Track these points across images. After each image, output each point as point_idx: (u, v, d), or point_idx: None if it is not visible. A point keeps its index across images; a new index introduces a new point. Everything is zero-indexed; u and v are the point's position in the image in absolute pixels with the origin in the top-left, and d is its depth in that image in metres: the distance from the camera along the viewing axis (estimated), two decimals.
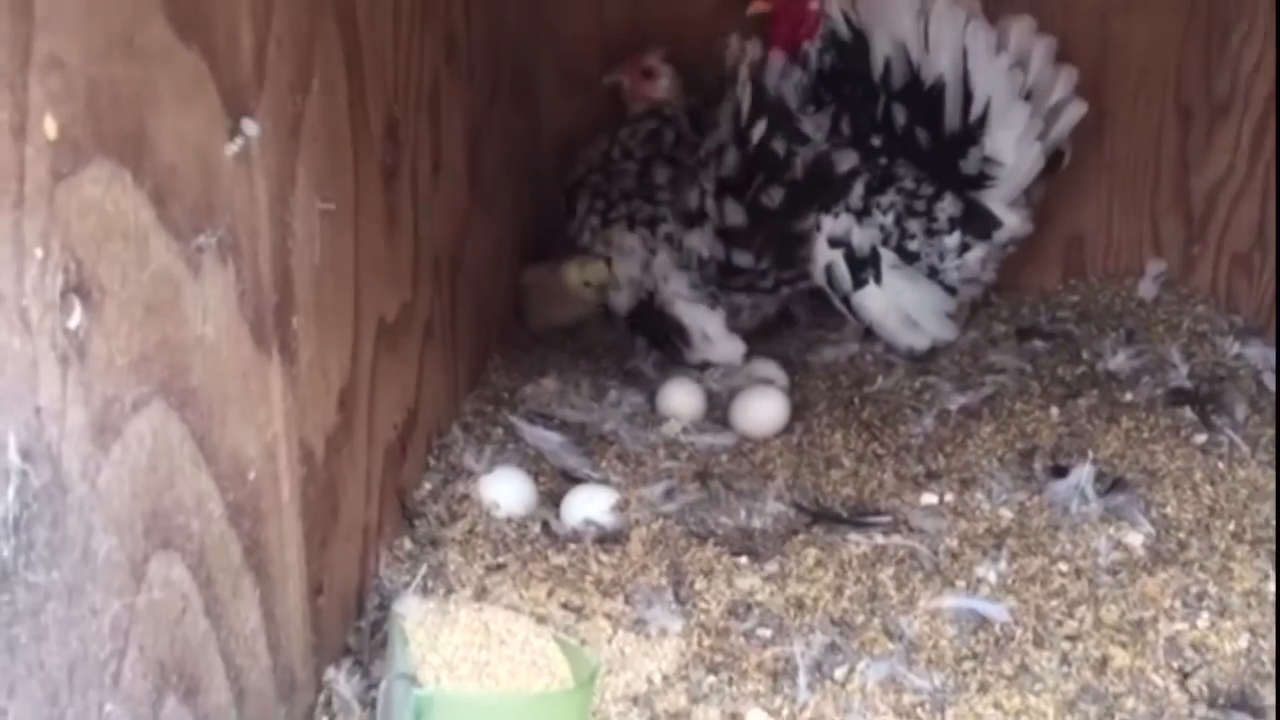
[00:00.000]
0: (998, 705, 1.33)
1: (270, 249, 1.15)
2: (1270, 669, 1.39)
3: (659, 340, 2.14)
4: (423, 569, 1.52)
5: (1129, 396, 1.99)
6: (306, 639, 1.28)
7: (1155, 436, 1.86)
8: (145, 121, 0.92)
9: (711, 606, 1.49)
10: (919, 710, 1.33)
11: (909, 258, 2.14)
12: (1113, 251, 2.42)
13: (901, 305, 2.14)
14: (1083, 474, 1.70)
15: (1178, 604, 1.49)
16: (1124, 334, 2.19)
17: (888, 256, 2.12)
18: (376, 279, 1.48)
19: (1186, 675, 1.38)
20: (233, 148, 1.06)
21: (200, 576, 1.04)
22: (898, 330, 2.14)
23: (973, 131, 2.07)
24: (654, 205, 2.17)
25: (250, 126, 1.08)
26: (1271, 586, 1.51)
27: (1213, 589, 1.51)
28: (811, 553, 1.59)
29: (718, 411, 1.97)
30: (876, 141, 2.14)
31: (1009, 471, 1.78)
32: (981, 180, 2.11)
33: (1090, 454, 1.78)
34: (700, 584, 1.53)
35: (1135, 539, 1.61)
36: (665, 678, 1.38)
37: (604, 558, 1.58)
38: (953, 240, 2.14)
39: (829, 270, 2.11)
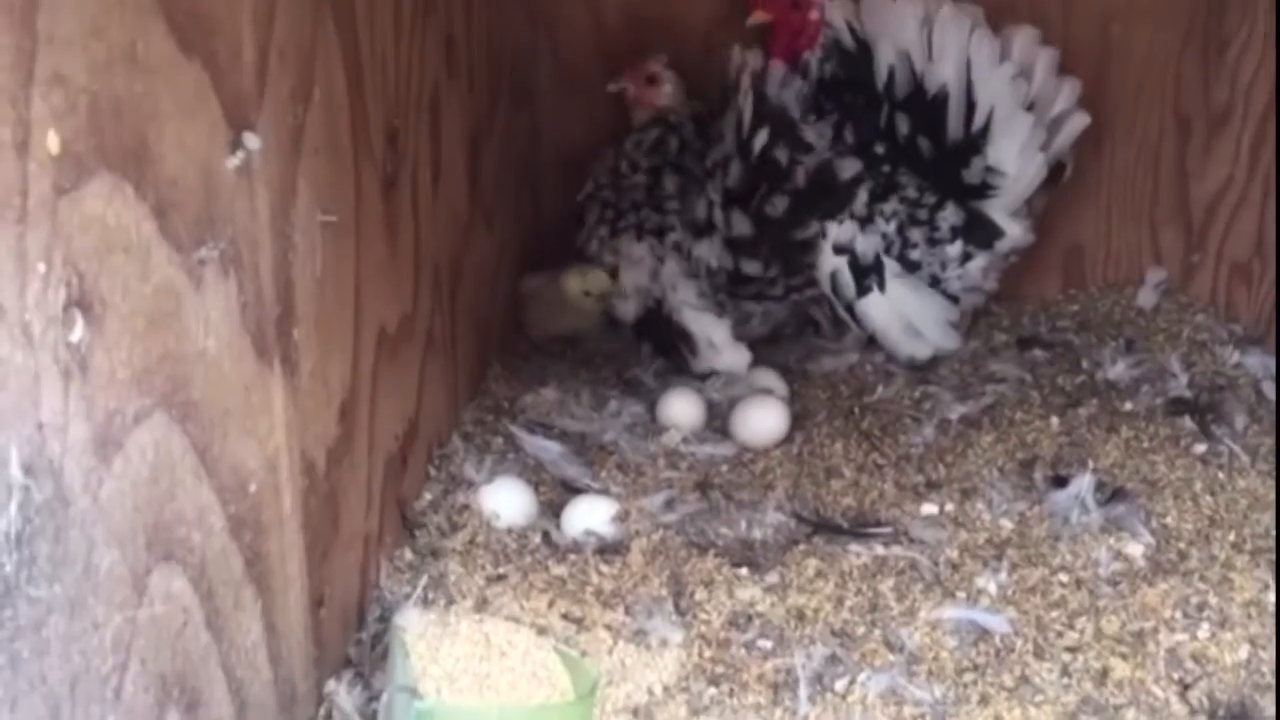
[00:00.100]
0: (998, 717, 1.33)
1: (271, 261, 1.15)
2: (1271, 680, 1.39)
3: (665, 349, 2.14)
4: (423, 580, 1.52)
5: (1129, 406, 1.99)
6: (308, 651, 1.28)
7: (1155, 446, 1.86)
8: (147, 135, 0.92)
9: (712, 617, 1.49)
10: None
11: (911, 267, 2.14)
12: (1112, 261, 2.42)
13: (904, 313, 2.14)
14: (1083, 484, 1.70)
15: (1178, 615, 1.49)
16: (1124, 343, 2.19)
17: (890, 266, 2.13)
18: (377, 289, 1.48)
19: (1187, 686, 1.38)
20: (234, 161, 1.06)
21: (202, 589, 1.04)
22: (900, 339, 2.14)
23: (975, 141, 2.08)
24: (662, 214, 2.19)
25: (251, 140, 1.08)
26: (1272, 597, 1.51)
27: (1213, 600, 1.51)
28: (812, 563, 1.59)
29: (718, 421, 1.97)
30: (880, 149, 2.15)
31: (1009, 481, 1.78)
32: (984, 190, 2.11)
33: (1090, 464, 1.78)
34: (701, 595, 1.53)
35: (1135, 549, 1.61)
36: (666, 689, 1.38)
37: (604, 568, 1.58)
38: (955, 249, 2.14)
39: (834, 278, 2.11)
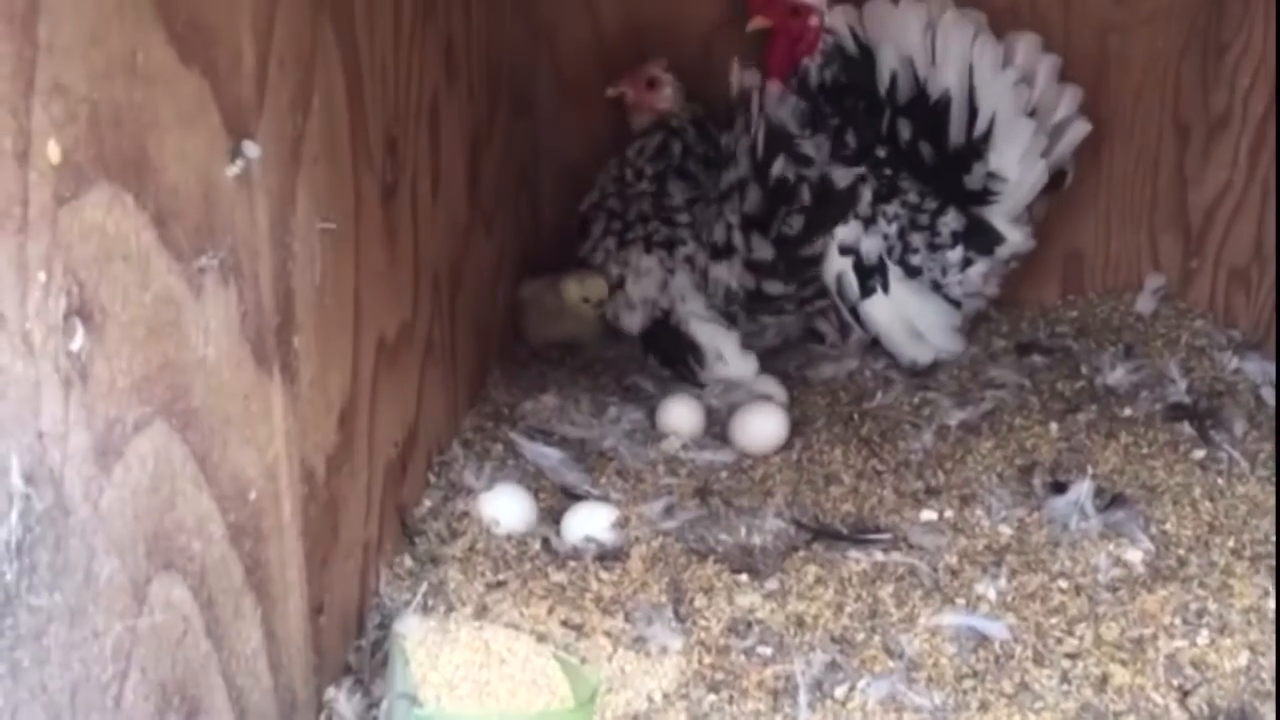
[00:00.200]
0: None
1: (271, 269, 1.15)
2: (1270, 686, 1.39)
3: (672, 360, 2.14)
4: (423, 587, 1.52)
5: (1128, 412, 2.00)
6: (307, 659, 1.28)
7: (1154, 452, 1.87)
8: (147, 144, 0.93)
9: (712, 624, 1.49)
10: None
11: (912, 271, 2.14)
12: (1111, 266, 2.43)
13: (908, 316, 2.14)
14: (1082, 490, 1.70)
15: (1177, 621, 1.49)
16: (1123, 349, 2.19)
17: (893, 270, 2.13)
18: (376, 297, 1.48)
19: (1186, 693, 1.38)
20: (234, 169, 1.06)
21: (202, 597, 1.04)
22: (903, 342, 2.15)
23: (977, 146, 2.08)
24: (672, 227, 2.20)
25: (251, 148, 1.08)
26: (1271, 603, 1.51)
27: (1212, 606, 1.51)
28: (811, 570, 1.59)
29: (717, 428, 1.97)
30: (881, 154, 2.15)
31: (1008, 488, 1.78)
32: (985, 195, 2.12)
33: (1089, 470, 1.78)
34: (700, 601, 1.53)
35: (1135, 555, 1.61)
36: (665, 696, 1.38)
37: (604, 575, 1.58)
38: (955, 255, 2.15)
39: (839, 280, 2.12)
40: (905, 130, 2.14)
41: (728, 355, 2.10)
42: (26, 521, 0.80)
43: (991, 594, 1.54)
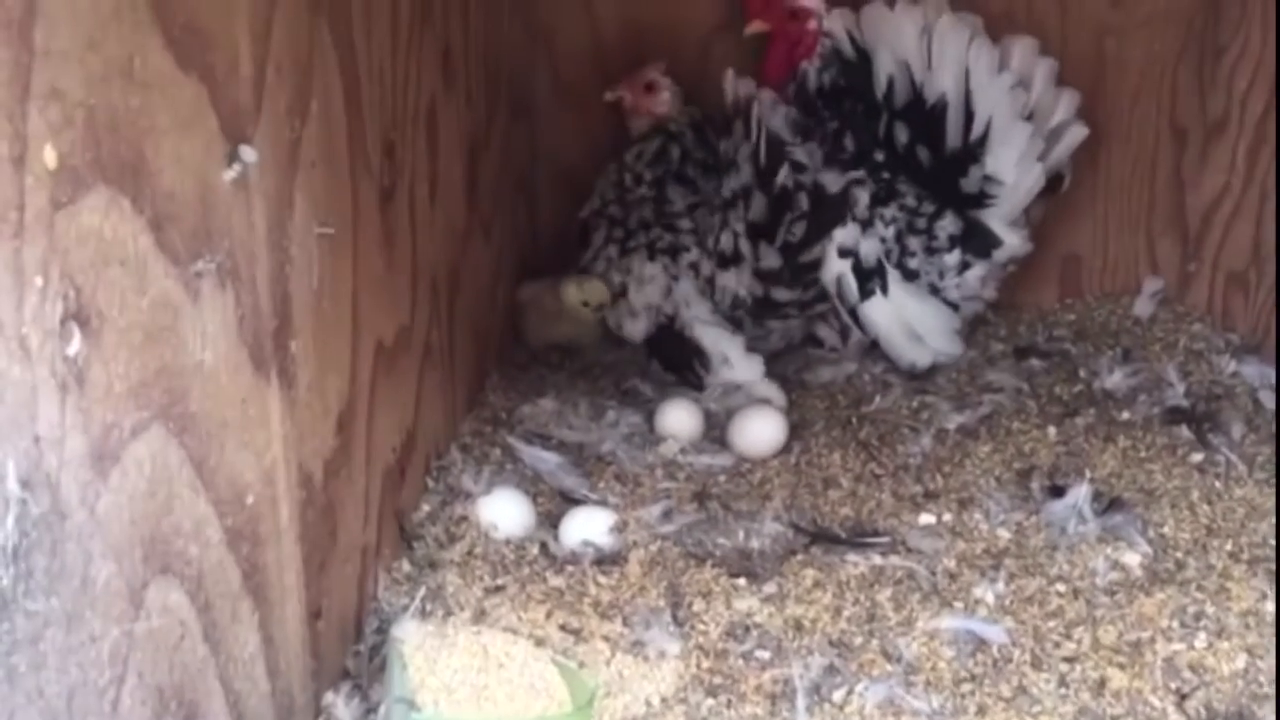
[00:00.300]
0: None
1: (268, 274, 1.15)
2: (1268, 690, 1.39)
3: (676, 366, 2.14)
4: (421, 591, 1.52)
5: (1126, 415, 2.00)
6: (305, 663, 1.28)
7: (1152, 455, 1.87)
8: (144, 149, 0.93)
9: (710, 628, 1.49)
10: None
11: (909, 275, 2.15)
12: (1109, 270, 2.43)
13: (906, 318, 2.14)
14: (1080, 494, 1.70)
15: (1175, 624, 1.49)
16: (1120, 352, 2.19)
17: (891, 273, 2.13)
18: (374, 301, 1.48)
19: (1184, 696, 1.38)
20: (231, 174, 1.06)
21: (199, 602, 1.04)
22: (902, 344, 2.15)
23: (974, 150, 2.09)
24: (675, 234, 2.19)
25: (248, 153, 1.08)
26: (1269, 606, 1.51)
27: (1210, 609, 1.51)
28: (810, 574, 1.59)
29: (716, 431, 1.97)
30: (878, 158, 2.16)
31: (1006, 491, 1.78)
32: (982, 199, 2.12)
33: (1087, 473, 1.78)
34: (698, 605, 1.53)
35: (1133, 559, 1.61)
36: (664, 700, 1.38)
37: (602, 579, 1.58)
38: (953, 258, 2.15)
39: (838, 282, 2.12)
40: (902, 134, 2.14)
41: (733, 359, 2.09)
42: (23, 526, 0.80)
43: (989, 597, 1.54)
